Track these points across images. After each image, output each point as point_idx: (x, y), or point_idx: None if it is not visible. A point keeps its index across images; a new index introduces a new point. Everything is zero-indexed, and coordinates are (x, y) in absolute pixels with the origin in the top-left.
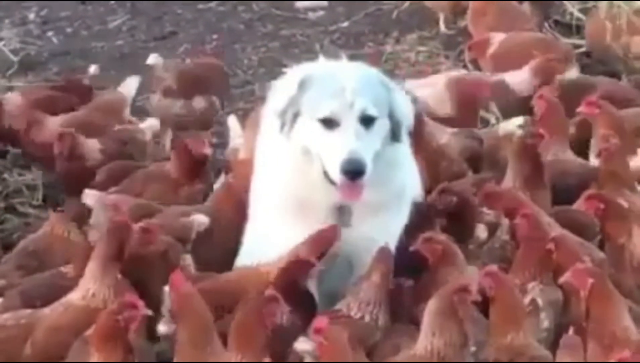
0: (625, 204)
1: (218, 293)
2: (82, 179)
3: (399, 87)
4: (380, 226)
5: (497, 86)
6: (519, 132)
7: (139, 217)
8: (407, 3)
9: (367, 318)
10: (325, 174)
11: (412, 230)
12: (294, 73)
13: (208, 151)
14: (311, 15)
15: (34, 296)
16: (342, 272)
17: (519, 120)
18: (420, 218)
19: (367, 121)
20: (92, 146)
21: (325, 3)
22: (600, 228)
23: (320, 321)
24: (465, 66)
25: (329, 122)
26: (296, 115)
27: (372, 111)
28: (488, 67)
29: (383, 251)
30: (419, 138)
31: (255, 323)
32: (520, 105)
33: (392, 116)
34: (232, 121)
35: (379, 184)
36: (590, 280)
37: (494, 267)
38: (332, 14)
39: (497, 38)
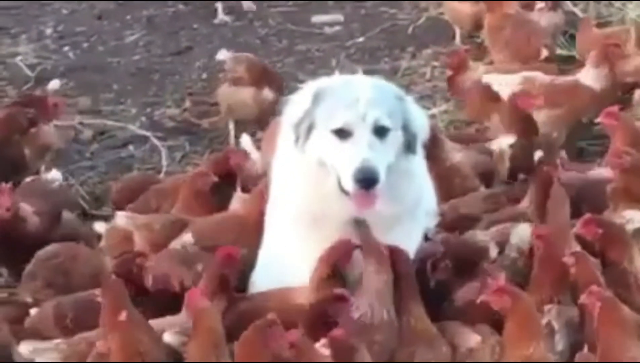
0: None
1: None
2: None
3: (414, 100)
4: (396, 241)
5: None
6: (509, 151)
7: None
8: (422, 18)
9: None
10: (340, 186)
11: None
12: (309, 87)
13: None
14: (327, 30)
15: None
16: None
17: (509, 140)
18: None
19: (380, 131)
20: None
21: (341, 18)
22: (599, 252)
23: (336, 331)
24: None
25: (343, 133)
26: (310, 127)
27: (385, 122)
28: None
29: (395, 251)
30: (434, 156)
31: (258, 348)
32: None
33: (406, 128)
34: (245, 141)
35: (394, 197)
36: (599, 304)
37: (502, 281)
38: (348, 29)
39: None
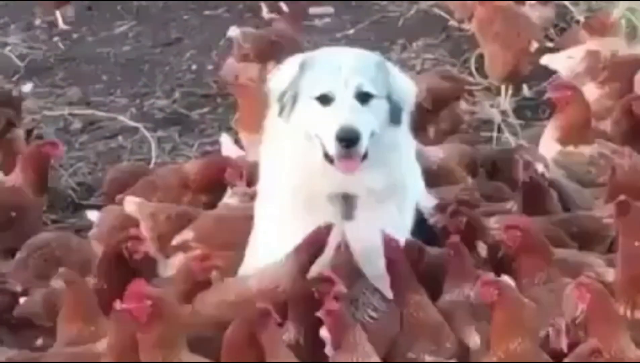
0: None
1: None
2: None
3: (401, 71)
4: (387, 216)
5: None
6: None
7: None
8: (413, 10)
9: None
10: (326, 156)
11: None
12: (291, 61)
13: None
14: (317, 22)
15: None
16: None
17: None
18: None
19: (363, 98)
20: None
21: (331, 10)
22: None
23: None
24: (471, 74)
25: (325, 99)
26: (295, 97)
27: (368, 88)
28: None
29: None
30: None
31: (246, 336)
32: None
33: (390, 98)
34: (225, 140)
35: (382, 170)
36: (589, 296)
37: (490, 276)
38: (338, 21)
39: None
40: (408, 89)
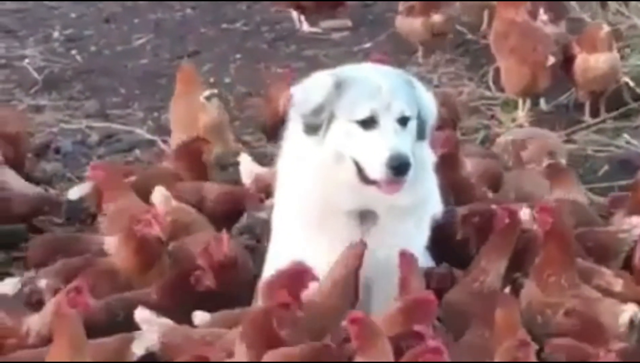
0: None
1: None
2: None
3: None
4: (406, 233)
5: None
6: None
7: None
8: None
9: None
10: (361, 176)
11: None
12: (322, 77)
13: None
14: (335, 35)
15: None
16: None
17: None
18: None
19: (403, 121)
20: None
21: (348, 23)
22: None
23: (356, 313)
24: (488, 88)
25: (368, 123)
26: (330, 119)
27: (408, 112)
28: None
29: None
30: (452, 164)
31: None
32: None
33: (418, 115)
34: (244, 159)
35: (410, 186)
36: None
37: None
38: (356, 34)
39: None
40: (432, 105)
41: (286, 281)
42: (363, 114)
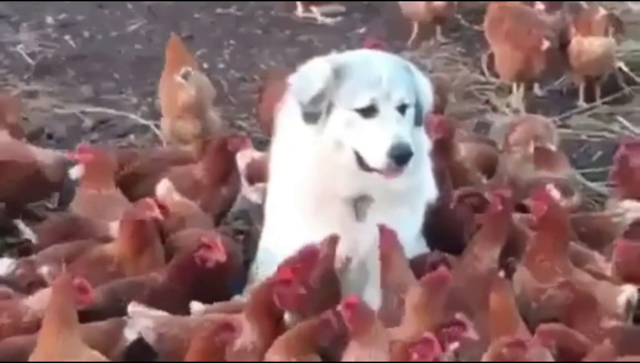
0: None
1: None
2: None
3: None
4: (400, 217)
5: None
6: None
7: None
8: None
9: None
10: (360, 164)
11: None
12: (320, 64)
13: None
14: (329, 21)
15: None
16: (357, 279)
17: None
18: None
19: (402, 109)
20: None
21: (342, 9)
22: None
23: (352, 297)
24: (482, 73)
25: (368, 112)
26: (330, 107)
27: (407, 100)
28: None
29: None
30: (447, 149)
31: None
32: None
33: (417, 102)
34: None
35: (409, 171)
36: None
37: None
38: (350, 19)
39: None
40: (428, 90)
41: (298, 261)
42: (363, 102)
